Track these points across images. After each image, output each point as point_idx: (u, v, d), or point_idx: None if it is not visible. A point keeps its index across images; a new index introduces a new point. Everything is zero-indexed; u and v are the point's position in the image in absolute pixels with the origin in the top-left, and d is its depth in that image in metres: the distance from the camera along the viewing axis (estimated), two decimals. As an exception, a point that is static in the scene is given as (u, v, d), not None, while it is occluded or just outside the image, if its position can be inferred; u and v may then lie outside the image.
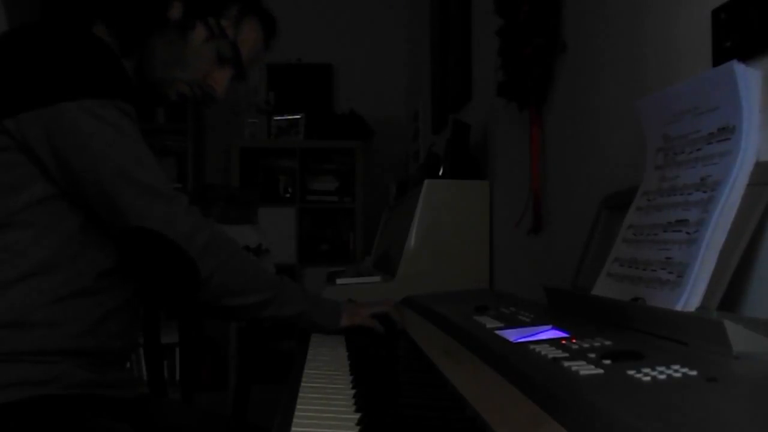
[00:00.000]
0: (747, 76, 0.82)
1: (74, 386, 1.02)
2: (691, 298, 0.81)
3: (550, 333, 0.89)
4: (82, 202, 1.04)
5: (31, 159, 1.01)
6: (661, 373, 0.61)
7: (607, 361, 0.68)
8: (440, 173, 2.32)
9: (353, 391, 0.81)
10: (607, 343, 0.77)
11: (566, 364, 0.69)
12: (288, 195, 4.33)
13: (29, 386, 0.98)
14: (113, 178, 1.01)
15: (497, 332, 0.94)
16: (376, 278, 2.22)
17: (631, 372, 0.62)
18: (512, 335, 0.90)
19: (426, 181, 2.21)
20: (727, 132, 0.84)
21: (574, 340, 0.79)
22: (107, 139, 1.01)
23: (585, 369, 0.66)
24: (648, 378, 0.60)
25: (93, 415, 1.03)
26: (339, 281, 2.19)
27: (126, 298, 1.11)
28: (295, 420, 0.68)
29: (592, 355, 0.71)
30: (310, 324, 1.26)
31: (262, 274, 1.18)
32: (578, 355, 0.72)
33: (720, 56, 0.94)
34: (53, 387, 1.00)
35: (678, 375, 0.60)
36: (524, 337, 0.88)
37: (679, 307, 0.81)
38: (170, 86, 1.17)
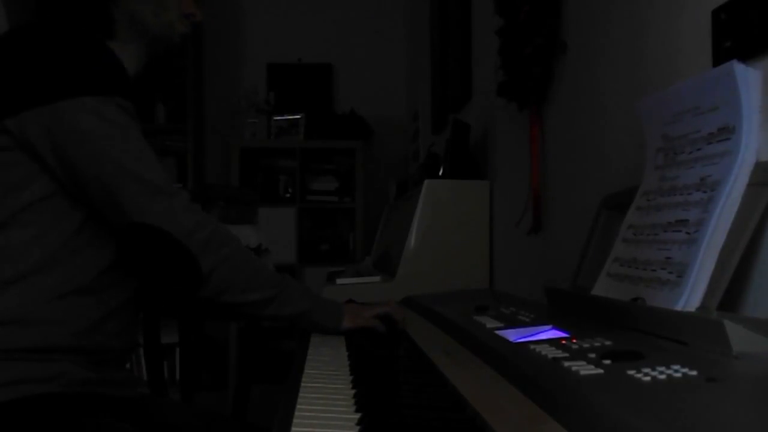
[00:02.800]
0: (747, 76, 0.82)
1: (74, 384, 1.02)
2: (691, 298, 0.81)
3: (550, 333, 0.89)
4: (83, 198, 1.04)
5: (32, 158, 1.02)
6: (661, 373, 0.61)
7: (607, 361, 0.68)
8: (440, 173, 2.32)
9: (353, 391, 0.81)
10: (607, 343, 0.77)
11: (566, 364, 0.69)
12: (288, 195, 4.33)
13: (29, 384, 0.98)
14: (114, 174, 1.02)
15: (497, 332, 0.94)
16: (376, 278, 2.22)
17: (631, 372, 0.62)
18: (512, 335, 0.90)
19: (426, 181, 2.21)
20: (727, 132, 0.84)
21: (574, 340, 0.79)
22: (107, 136, 1.02)
23: (585, 369, 0.66)
24: (648, 378, 0.60)
25: (94, 413, 1.03)
26: (339, 281, 2.19)
27: (127, 297, 1.12)
28: (295, 420, 0.68)
29: (592, 355, 0.71)
30: (311, 324, 1.25)
31: (264, 272, 1.18)
32: (578, 355, 0.72)
33: (720, 56, 0.94)
34: (53, 385, 1.00)
35: (678, 375, 0.60)
36: (524, 337, 0.88)
37: (679, 307, 0.81)
38: (172, 32, 1.17)
